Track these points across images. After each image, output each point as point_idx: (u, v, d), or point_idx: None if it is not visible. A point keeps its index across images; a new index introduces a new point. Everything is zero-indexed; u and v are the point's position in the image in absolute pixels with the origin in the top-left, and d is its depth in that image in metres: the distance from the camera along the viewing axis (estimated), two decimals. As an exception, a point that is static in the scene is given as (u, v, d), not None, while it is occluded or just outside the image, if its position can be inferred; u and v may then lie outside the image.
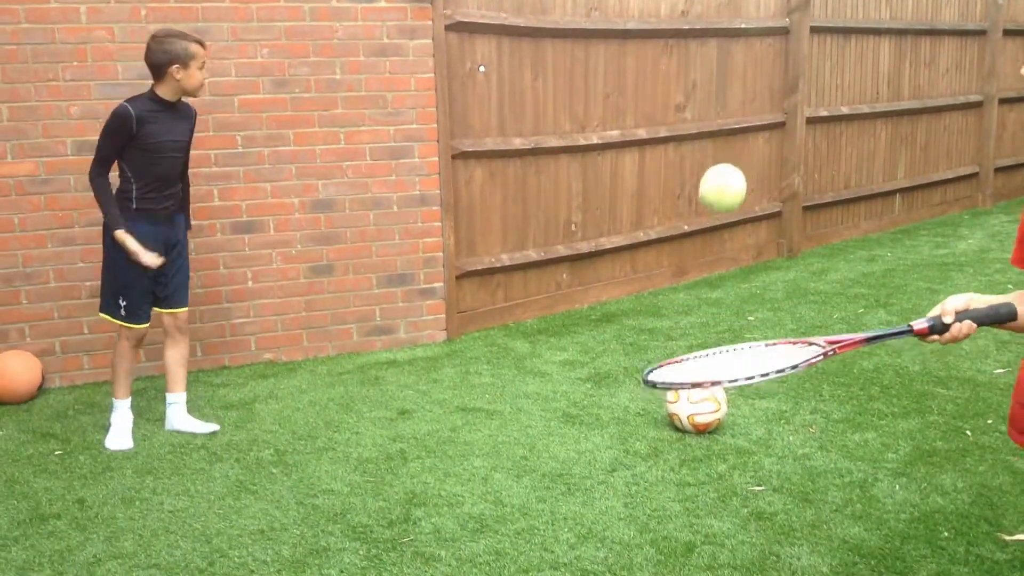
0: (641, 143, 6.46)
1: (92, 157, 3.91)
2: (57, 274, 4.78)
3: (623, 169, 6.39)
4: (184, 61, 3.80)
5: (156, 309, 4.09)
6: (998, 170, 9.77)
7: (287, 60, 5.00)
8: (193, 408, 4.29)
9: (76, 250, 4.79)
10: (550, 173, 5.98)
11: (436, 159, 5.34)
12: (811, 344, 1.81)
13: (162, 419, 4.20)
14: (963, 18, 9.10)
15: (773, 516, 3.18)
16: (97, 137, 3.94)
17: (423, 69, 5.25)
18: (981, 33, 9.29)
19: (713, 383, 1.76)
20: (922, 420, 4.01)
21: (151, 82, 3.91)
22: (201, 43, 3.89)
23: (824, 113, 7.72)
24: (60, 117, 4.67)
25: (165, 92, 3.86)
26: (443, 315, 5.50)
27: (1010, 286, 6.23)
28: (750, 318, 5.78)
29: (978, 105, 9.42)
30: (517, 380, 4.74)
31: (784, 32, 7.27)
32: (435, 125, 5.31)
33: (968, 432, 3.84)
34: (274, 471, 3.69)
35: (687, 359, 1.88)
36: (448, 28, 5.31)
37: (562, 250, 6.10)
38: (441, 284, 5.46)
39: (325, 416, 4.28)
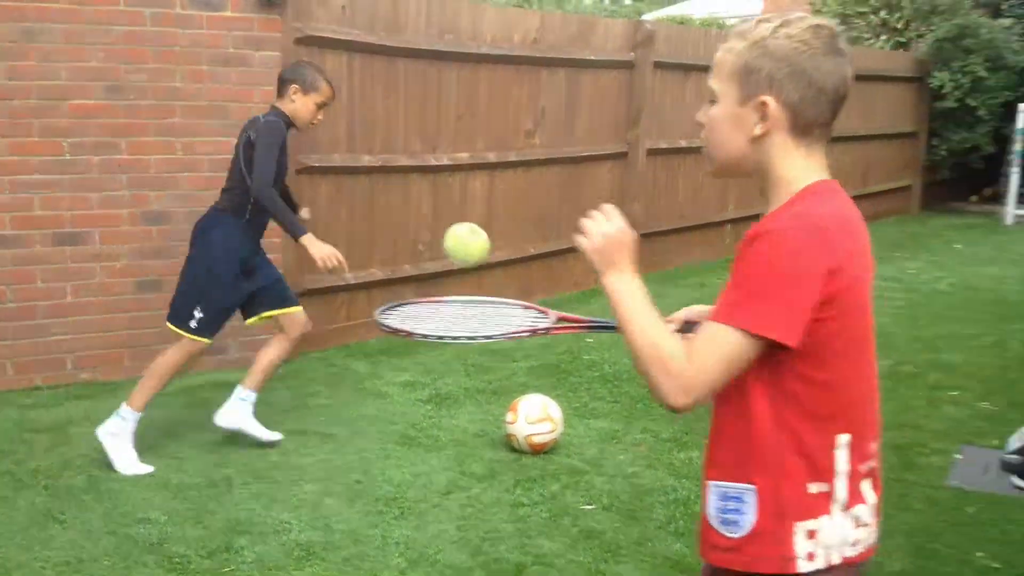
0: (491, 166, 6.54)
1: (254, 173, 3.80)
2: None
3: (473, 191, 6.45)
4: (306, 88, 3.90)
5: (270, 313, 4.03)
6: (821, 205, 10.41)
7: (123, 65, 4.78)
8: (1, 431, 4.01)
9: None
10: (399, 192, 5.96)
11: (279, 174, 5.22)
12: (544, 314, 1.89)
13: (-33, 441, 3.91)
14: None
15: (602, 534, 3.26)
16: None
17: (269, 81, 5.11)
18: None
19: (427, 336, 1.80)
20: (744, 442, 4.21)
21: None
22: (331, 87, 4.03)
23: (664, 145, 8.04)
24: None
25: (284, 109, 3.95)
26: (282, 334, 5.36)
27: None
28: (588, 340, 5.92)
29: (804, 143, 10.02)
30: (355, 402, 4.68)
31: (629, 66, 7.54)
32: (278, 139, 5.19)
33: (784, 453, 4.06)
34: (85, 498, 3.49)
35: (421, 303, 1.97)
36: (297, 41, 5.22)
37: (409, 269, 6.08)
38: (281, 302, 5.33)
39: (145, 440, 4.06)
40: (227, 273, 3.88)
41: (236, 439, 4.11)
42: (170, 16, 4.86)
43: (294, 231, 3.86)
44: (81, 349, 4.87)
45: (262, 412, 4.45)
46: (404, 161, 5.95)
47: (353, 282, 5.75)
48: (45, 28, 4.60)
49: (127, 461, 3.75)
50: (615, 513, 3.44)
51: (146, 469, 3.74)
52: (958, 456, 3.99)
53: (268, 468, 3.81)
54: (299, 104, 3.93)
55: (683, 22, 20.25)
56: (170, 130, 4.94)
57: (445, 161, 6.21)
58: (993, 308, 6.77)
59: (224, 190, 4.00)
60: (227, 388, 4.76)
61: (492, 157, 6.53)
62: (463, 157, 6.33)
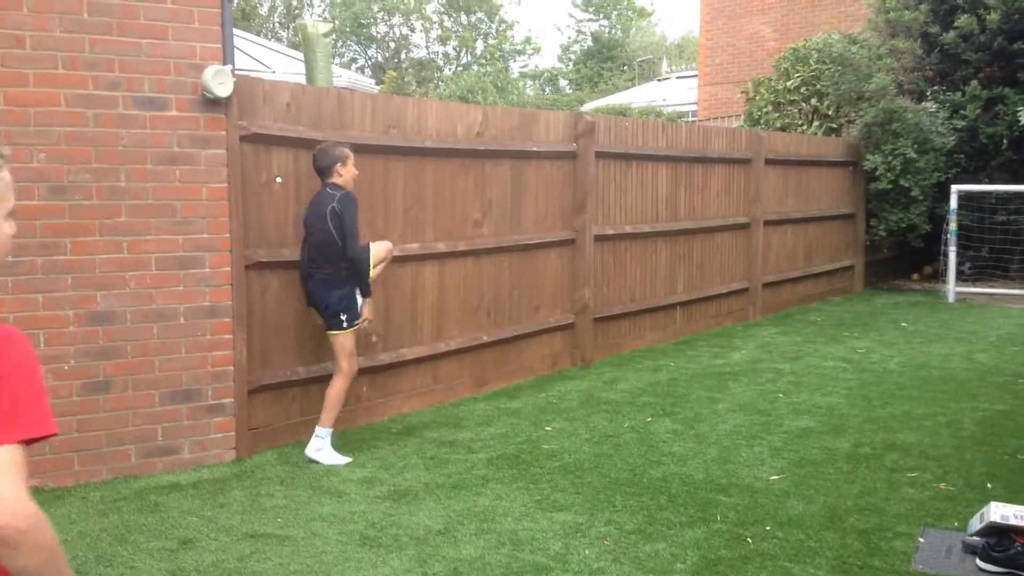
0: (441, 256, 6.55)
1: (347, 241, 5.08)
2: None
3: (423, 281, 6.44)
4: (344, 161, 5.25)
5: None
6: (765, 285, 10.63)
7: (66, 166, 4.74)
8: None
9: None
10: (348, 285, 5.92)
11: (229, 269, 5.17)
12: None
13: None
14: (730, 148, 9.99)
15: (570, 635, 3.17)
16: None
17: (216, 179, 5.12)
18: (746, 161, 10.22)
19: None
20: (707, 528, 4.17)
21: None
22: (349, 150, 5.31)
23: (611, 231, 8.16)
24: None
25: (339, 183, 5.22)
26: (232, 432, 5.23)
27: (780, 395, 6.70)
28: (547, 428, 5.87)
29: (746, 226, 10.27)
30: (312, 501, 4.55)
31: (572, 156, 7.69)
32: (228, 235, 5.16)
33: (749, 539, 4.02)
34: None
35: None
36: (243, 139, 5.24)
37: (362, 362, 5.98)
38: (231, 400, 5.21)
39: (96, 549, 3.92)
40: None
41: (192, 544, 3.95)
42: (112, 117, 4.84)
43: (368, 291, 5.30)
44: (29, 455, 4.67)
45: (218, 513, 4.31)
46: (355, 254, 5.93)
47: (305, 376, 5.66)
48: (-12, 129, 4.55)
49: (334, 457, 5.18)
50: (583, 609, 3.35)
51: (345, 460, 5.18)
52: (921, 539, 3.98)
53: (224, 574, 3.65)
54: (346, 175, 5.23)
55: (623, 111, 20.84)
56: (116, 229, 4.87)
57: (396, 252, 6.20)
58: (943, 386, 6.88)
59: (328, 263, 5.17)
60: (179, 491, 4.62)
61: (442, 247, 6.55)
62: (413, 248, 6.34)
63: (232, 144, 5.16)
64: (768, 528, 4.15)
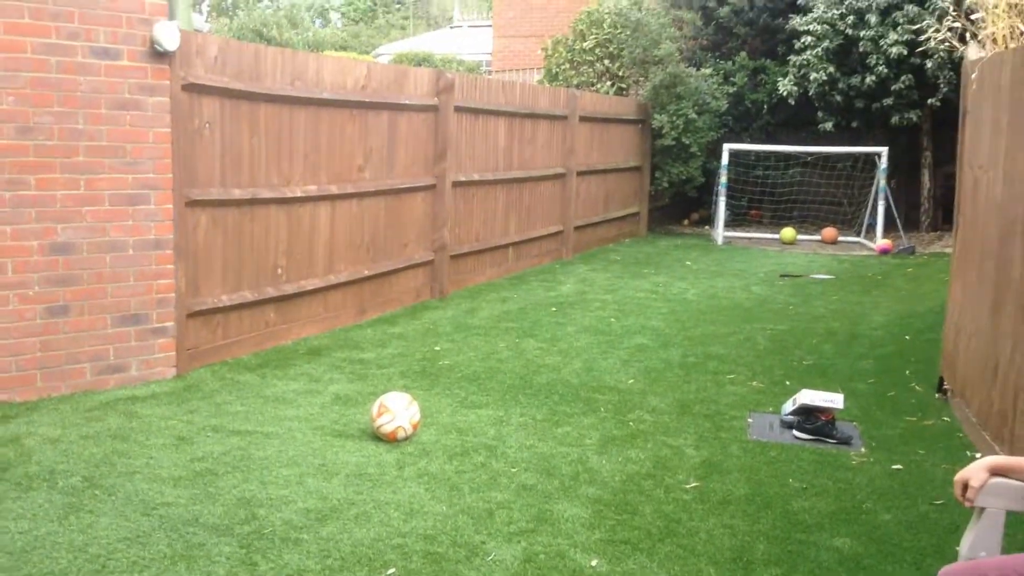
0: (333, 198, 7.34)
1: None
2: None
3: (319, 220, 7.22)
4: None
5: None
6: (576, 228, 12.11)
7: (31, 109, 5.14)
8: (-38, 448, 4.33)
9: None
10: (262, 221, 6.62)
11: (171, 206, 5.76)
12: None
13: (-65, 460, 4.19)
14: (553, 105, 11.26)
15: (535, 487, 4.31)
16: None
17: (161, 124, 5.67)
18: (564, 118, 11.55)
19: None
20: (596, 416, 5.44)
21: None
22: None
23: (463, 178, 9.21)
24: None
25: None
26: (174, 352, 5.87)
27: (612, 320, 8.12)
28: (436, 348, 6.92)
29: (563, 176, 11.65)
30: (268, 407, 5.36)
31: (435, 109, 8.63)
32: (171, 175, 5.74)
33: (631, 423, 5.33)
34: (97, 493, 4.00)
35: None
36: (183, 88, 5.79)
37: (270, 291, 6.74)
38: (172, 323, 5.84)
39: (107, 446, 4.57)
40: None
41: (189, 440, 4.70)
42: (72, 64, 5.28)
43: None
44: (-4, 373, 5.14)
45: (194, 418, 5.05)
46: (266, 194, 6.62)
47: (228, 304, 6.34)
48: (-43, 71, 4.88)
49: None
50: (535, 472, 4.50)
51: None
52: (749, 420, 5.46)
53: (239, 460, 4.46)
54: None
55: (425, 59, 21.63)
56: (74, 168, 5.34)
57: (298, 193, 6.95)
58: (734, 312, 8.60)
59: None
60: (142, 402, 5.29)
61: (334, 189, 7.34)
62: (311, 190, 7.10)
63: (175, 93, 5.71)
64: (640, 415, 5.48)
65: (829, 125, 14.06)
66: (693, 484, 4.43)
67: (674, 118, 13.95)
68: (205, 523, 3.76)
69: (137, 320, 5.69)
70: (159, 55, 5.59)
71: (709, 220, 15.55)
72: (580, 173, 12.05)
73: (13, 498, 3.90)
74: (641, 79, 15.11)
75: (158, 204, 5.70)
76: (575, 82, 15.63)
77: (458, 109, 8.94)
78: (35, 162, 5.19)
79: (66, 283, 5.37)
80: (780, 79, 14.39)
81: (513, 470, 4.52)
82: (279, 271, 6.84)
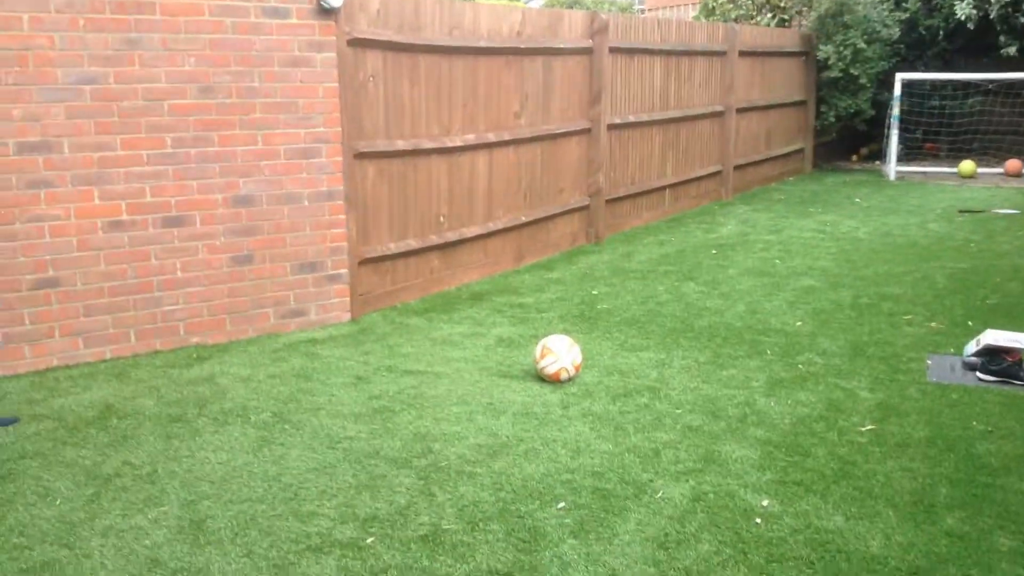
0: (490, 145, 7.44)
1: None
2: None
3: (478, 168, 7.34)
4: None
5: None
6: (735, 168, 11.79)
7: (211, 69, 5.45)
8: (155, 388, 4.72)
9: (16, 245, 4.97)
10: (424, 171, 6.80)
11: (340, 159, 5.99)
12: None
13: (148, 395, 4.60)
14: (710, 41, 10.93)
15: (700, 428, 4.31)
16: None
17: (329, 79, 5.89)
18: (723, 54, 11.19)
19: None
20: (762, 359, 5.34)
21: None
22: None
23: (618, 121, 9.11)
24: (3, 119, 4.84)
25: None
26: (348, 298, 6.16)
27: (776, 261, 7.90)
28: (594, 292, 6.95)
29: (721, 114, 11.33)
30: (436, 349, 5.56)
31: (589, 52, 8.55)
32: (339, 128, 5.96)
33: (800, 365, 5.21)
34: (286, 427, 4.29)
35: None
36: (348, 43, 5.98)
37: (434, 239, 6.94)
38: (346, 270, 6.12)
39: (292, 385, 4.88)
40: None
41: (366, 379, 4.94)
42: (246, 25, 5.54)
43: None
44: (190, 317, 5.55)
45: (369, 358, 5.30)
46: (427, 144, 6.78)
47: (395, 251, 6.58)
48: (145, 37, 5.22)
49: None
50: (700, 414, 4.49)
51: None
52: (928, 362, 5.23)
53: (412, 398, 4.67)
54: None
55: (576, 2, 21.36)
56: (252, 124, 5.63)
57: (457, 143, 7.08)
58: (910, 250, 8.19)
59: None
60: (321, 344, 5.58)
61: (491, 137, 7.43)
62: (470, 138, 7.21)
63: (341, 48, 5.91)
64: (810, 357, 5.35)
65: (1012, 50, 13.00)
66: (869, 427, 4.30)
67: (841, 48, 13.26)
68: (385, 456, 3.97)
69: (314, 268, 5.99)
70: (325, 12, 5.78)
71: (880, 155, 14.78)
72: (740, 110, 11.68)
73: (211, 432, 4.24)
74: (804, 9, 14.42)
75: (329, 157, 5.95)
76: (733, 16, 15.09)
77: (612, 50, 8.82)
78: (217, 120, 5.51)
79: (249, 233, 5.71)
80: (957, 2, 13.40)
81: (677, 411, 4.52)
82: (441, 219, 7.02)
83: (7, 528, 3.37)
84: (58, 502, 3.57)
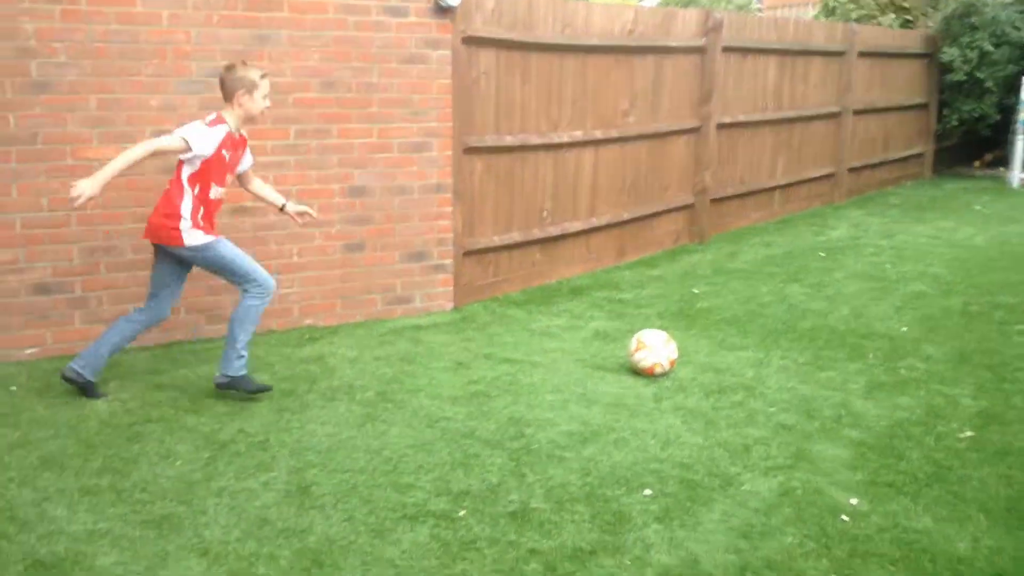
0: (597, 142, 7.54)
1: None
2: (133, 248, 5.33)
3: (583, 164, 7.46)
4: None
5: None
6: (850, 170, 11.54)
7: (333, 64, 5.73)
8: (269, 364, 5.04)
9: (150, 226, 5.36)
10: (531, 166, 6.96)
11: (450, 153, 6.21)
12: None
13: (263, 370, 4.90)
14: (829, 41, 10.74)
15: (793, 427, 4.33)
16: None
17: (443, 76, 6.10)
18: (841, 54, 10.97)
19: None
20: (863, 363, 5.29)
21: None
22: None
23: (728, 120, 9.07)
24: (142, 109, 5.23)
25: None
26: (451, 288, 6.38)
27: (887, 265, 7.75)
28: (695, 291, 6.98)
29: (837, 115, 11.11)
30: (534, 340, 5.71)
31: (702, 51, 8.55)
32: (451, 124, 6.17)
33: (902, 370, 5.15)
34: (388, 406, 4.51)
35: None
36: (463, 41, 6.18)
37: (537, 233, 7.09)
38: (451, 261, 6.33)
39: (396, 367, 5.11)
40: None
41: (466, 365, 5.13)
42: (368, 23, 5.80)
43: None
44: (304, 300, 5.86)
45: (469, 345, 5.48)
46: (535, 140, 6.94)
47: (499, 244, 6.76)
48: (273, 34, 5.53)
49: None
50: (794, 413, 4.51)
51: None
52: (1037, 371, 5.10)
53: (508, 385, 4.83)
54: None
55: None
56: (369, 118, 5.90)
57: (565, 139, 7.21)
58: (1027, 259, 7.92)
59: None
60: (424, 330, 5.79)
61: (598, 134, 7.53)
62: (577, 135, 7.33)
63: (456, 46, 6.12)
64: (912, 362, 5.27)
65: None
66: (968, 433, 4.24)
67: (967, 51, 12.80)
68: (480, 437, 4.14)
69: (421, 257, 6.22)
70: (442, 11, 6.00)
71: (1004, 161, 14.18)
72: (857, 112, 11.42)
73: (319, 407, 4.50)
74: (930, 10, 13.97)
75: (439, 151, 6.16)
76: (854, 16, 14.72)
77: (726, 49, 8.79)
78: (337, 113, 5.79)
79: (362, 223, 5.98)
80: (1097, 1, 12.75)
81: (771, 409, 4.55)
82: (544, 214, 7.17)
83: (132, 484, 3.68)
84: (178, 463, 3.87)
